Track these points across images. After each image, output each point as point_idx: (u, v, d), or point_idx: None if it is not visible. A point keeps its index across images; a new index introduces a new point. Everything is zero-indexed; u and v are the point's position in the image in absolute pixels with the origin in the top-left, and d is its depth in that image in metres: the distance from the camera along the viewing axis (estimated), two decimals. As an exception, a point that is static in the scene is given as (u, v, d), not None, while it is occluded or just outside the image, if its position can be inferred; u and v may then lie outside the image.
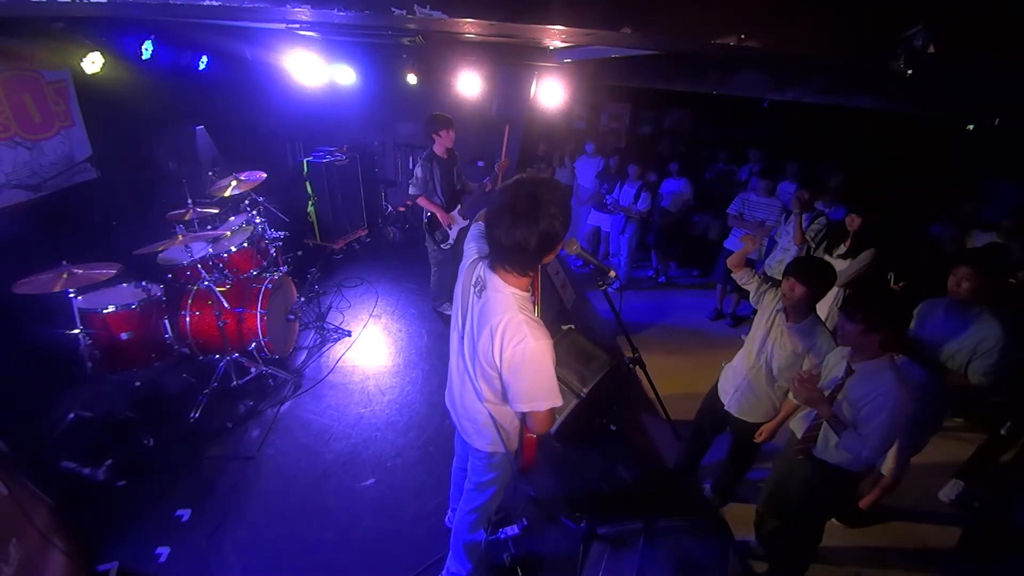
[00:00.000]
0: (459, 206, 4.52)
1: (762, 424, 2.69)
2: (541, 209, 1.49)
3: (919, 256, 4.18)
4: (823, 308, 3.95)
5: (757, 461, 3.00)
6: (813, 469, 2.24)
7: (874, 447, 1.98)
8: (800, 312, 2.42)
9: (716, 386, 2.92)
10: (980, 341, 2.44)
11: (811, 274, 2.34)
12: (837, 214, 4.67)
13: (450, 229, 4.51)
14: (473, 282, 1.76)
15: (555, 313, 4.65)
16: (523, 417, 1.87)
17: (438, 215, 4.42)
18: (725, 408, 2.77)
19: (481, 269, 1.74)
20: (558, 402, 1.67)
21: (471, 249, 1.90)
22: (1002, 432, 3.13)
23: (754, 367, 2.59)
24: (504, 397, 1.75)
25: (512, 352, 1.59)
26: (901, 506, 3.14)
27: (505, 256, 1.60)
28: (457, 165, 4.53)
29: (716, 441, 3.12)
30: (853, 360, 2.10)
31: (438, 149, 4.37)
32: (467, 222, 4.58)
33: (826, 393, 2.13)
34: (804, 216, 4.24)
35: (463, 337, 1.82)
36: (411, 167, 6.93)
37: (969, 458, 3.32)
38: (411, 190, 4.45)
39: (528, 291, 1.70)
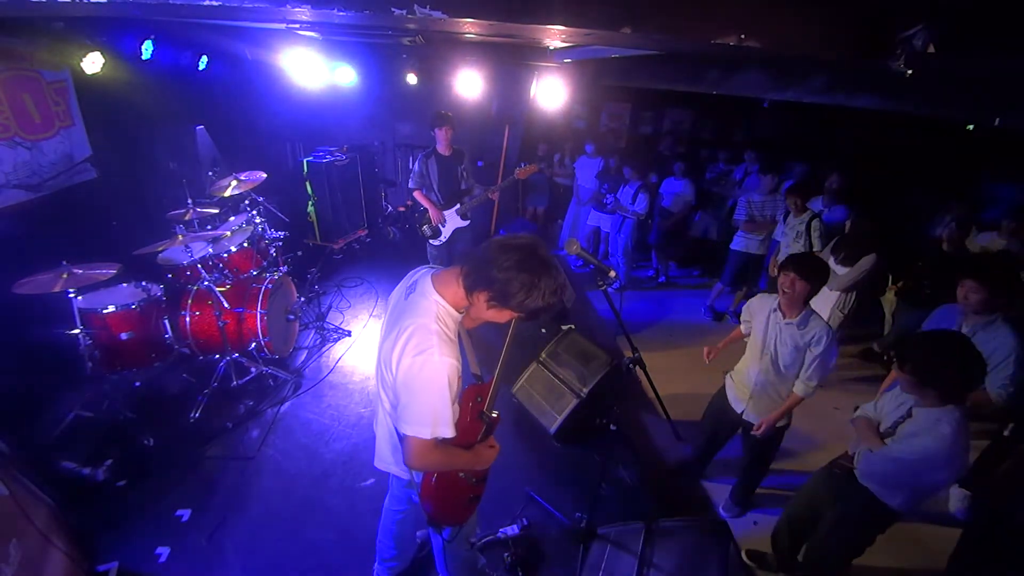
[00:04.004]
0: (458, 205, 4.51)
1: (781, 427, 2.71)
2: (536, 269, 1.42)
3: (919, 257, 4.19)
4: (824, 312, 3.95)
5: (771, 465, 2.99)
6: (852, 498, 2.19)
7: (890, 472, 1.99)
8: (796, 307, 2.47)
9: (723, 393, 2.92)
10: (992, 352, 2.38)
11: (812, 270, 2.39)
12: (836, 215, 4.68)
13: (441, 226, 4.51)
14: (408, 285, 1.68)
15: (555, 313, 4.65)
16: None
17: (429, 211, 4.45)
18: (742, 417, 2.77)
19: (420, 274, 1.67)
20: (448, 432, 1.50)
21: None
22: (1005, 434, 3.12)
23: (763, 370, 2.61)
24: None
25: (411, 362, 1.45)
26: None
27: (471, 260, 1.51)
28: (463, 164, 4.53)
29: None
30: (916, 404, 2.02)
31: (439, 146, 4.42)
32: (466, 223, 4.59)
33: (884, 429, 2.13)
34: (803, 224, 4.25)
35: (383, 339, 1.66)
36: (411, 167, 6.94)
37: (972, 465, 3.31)
38: (409, 183, 4.54)
39: (458, 312, 1.59)
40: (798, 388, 2.53)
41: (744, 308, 2.84)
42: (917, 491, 2.02)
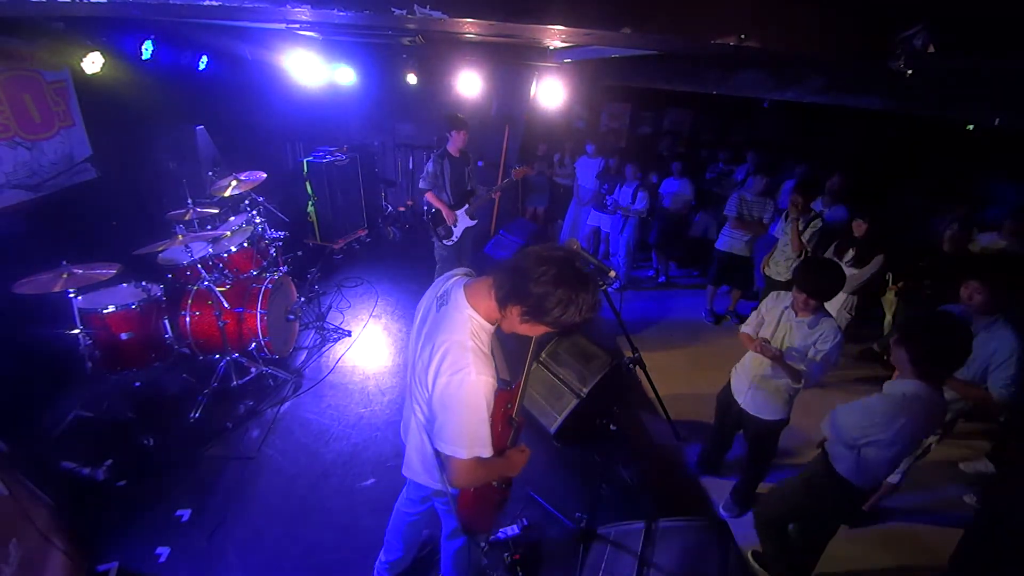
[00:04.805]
0: (467, 206, 4.58)
1: (778, 421, 2.72)
2: (574, 284, 1.36)
3: (920, 257, 4.18)
4: (831, 311, 3.96)
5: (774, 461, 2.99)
6: (823, 478, 2.23)
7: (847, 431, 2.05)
8: (809, 311, 2.51)
9: (728, 387, 2.94)
10: (994, 352, 2.42)
11: (821, 287, 2.44)
12: (836, 214, 4.67)
13: (454, 227, 4.57)
14: (438, 294, 1.61)
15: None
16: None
17: (443, 212, 4.48)
18: (741, 407, 2.80)
19: (450, 283, 1.61)
20: (485, 452, 1.47)
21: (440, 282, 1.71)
22: (1000, 420, 3.17)
23: (764, 363, 2.64)
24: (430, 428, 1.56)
25: (447, 381, 1.42)
26: (901, 507, 3.14)
27: (504, 272, 1.45)
28: (470, 166, 4.61)
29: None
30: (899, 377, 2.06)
31: (451, 148, 4.47)
32: (474, 222, 4.64)
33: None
34: (800, 221, 4.22)
35: (417, 352, 1.61)
36: (411, 167, 6.96)
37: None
38: (421, 183, 4.54)
39: (492, 324, 1.53)
40: (801, 367, 2.53)
41: (761, 304, 2.85)
42: (860, 455, 2.04)
